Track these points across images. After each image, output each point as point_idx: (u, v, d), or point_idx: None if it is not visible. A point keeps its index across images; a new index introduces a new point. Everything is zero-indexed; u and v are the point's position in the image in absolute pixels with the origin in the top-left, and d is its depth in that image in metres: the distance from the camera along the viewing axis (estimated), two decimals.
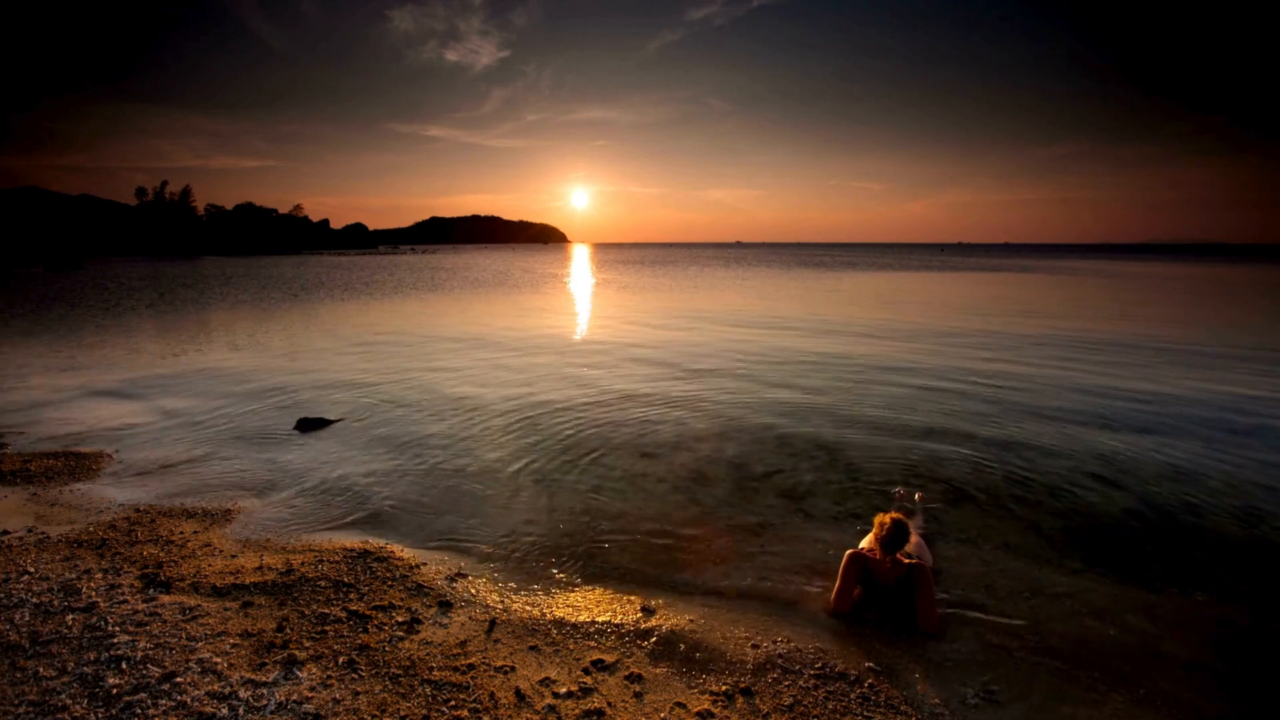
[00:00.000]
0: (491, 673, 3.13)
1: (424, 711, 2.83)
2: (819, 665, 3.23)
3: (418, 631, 3.47)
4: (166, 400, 8.89)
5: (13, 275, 43.19)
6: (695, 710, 2.90)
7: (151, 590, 3.82)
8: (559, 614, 3.69)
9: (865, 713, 2.89)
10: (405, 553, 4.44)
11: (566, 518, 5.04)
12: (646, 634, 3.49)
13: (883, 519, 3.68)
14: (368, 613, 3.61)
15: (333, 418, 7.89)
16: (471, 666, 3.17)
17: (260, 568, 4.14)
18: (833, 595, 3.77)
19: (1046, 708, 2.98)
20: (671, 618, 3.67)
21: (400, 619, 3.57)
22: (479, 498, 5.46)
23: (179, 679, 2.97)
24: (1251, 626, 3.66)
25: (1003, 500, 5.37)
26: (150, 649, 3.20)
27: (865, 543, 3.95)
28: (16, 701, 2.80)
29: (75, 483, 5.73)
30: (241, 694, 2.89)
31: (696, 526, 4.90)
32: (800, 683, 3.09)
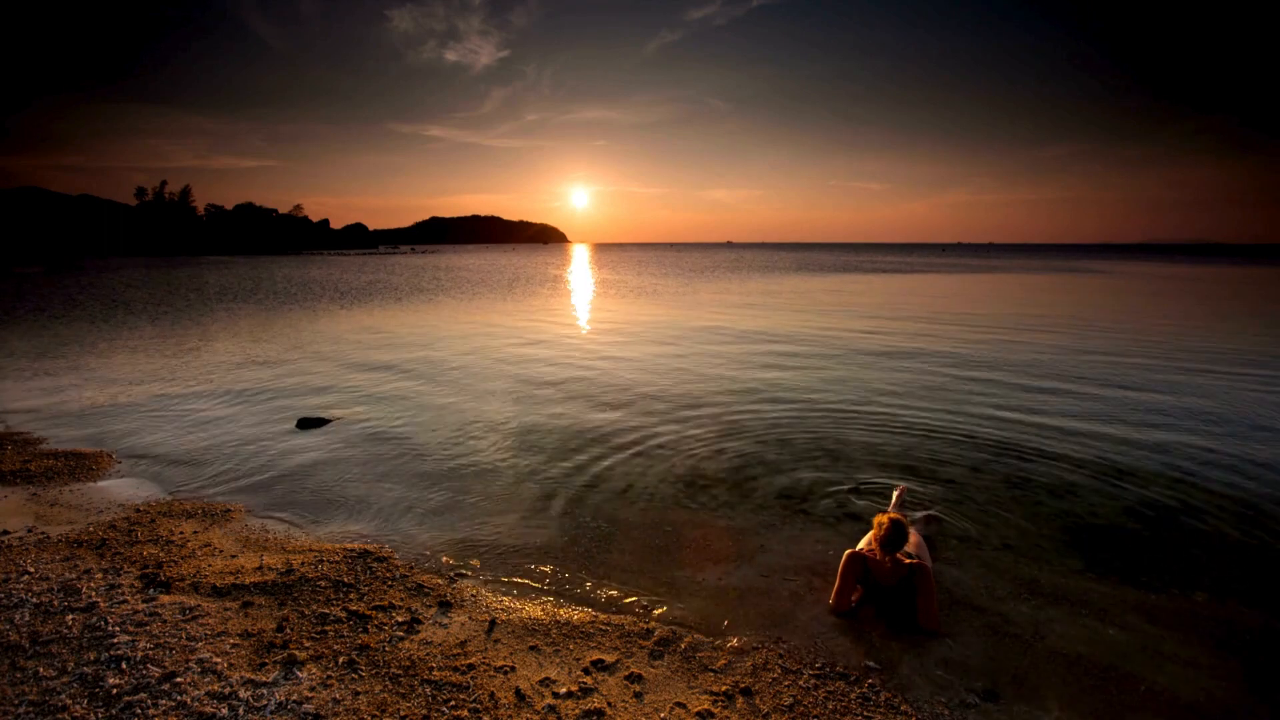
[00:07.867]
0: (491, 673, 3.13)
1: (424, 711, 2.83)
2: (819, 665, 3.23)
3: (418, 631, 3.47)
4: (166, 400, 8.89)
5: (13, 275, 43.18)
6: (695, 710, 2.90)
7: (151, 590, 3.82)
8: (559, 614, 3.69)
9: (865, 713, 2.89)
10: (405, 552, 4.44)
11: (566, 517, 5.04)
12: (646, 634, 3.49)
13: (881, 519, 3.68)
14: (368, 613, 3.61)
15: (332, 417, 7.90)
16: (471, 666, 3.17)
17: (260, 568, 4.14)
18: (832, 595, 3.77)
19: (1046, 708, 2.97)
20: (671, 618, 3.67)
21: (400, 619, 3.57)
22: (479, 497, 5.46)
23: (179, 679, 2.97)
24: (1251, 626, 3.66)
25: (1003, 501, 5.37)
26: (150, 649, 3.20)
27: (864, 543, 3.96)
28: (16, 701, 2.80)
29: (75, 483, 5.73)
30: (241, 694, 2.89)
31: (696, 526, 4.90)
32: (800, 683, 3.09)
